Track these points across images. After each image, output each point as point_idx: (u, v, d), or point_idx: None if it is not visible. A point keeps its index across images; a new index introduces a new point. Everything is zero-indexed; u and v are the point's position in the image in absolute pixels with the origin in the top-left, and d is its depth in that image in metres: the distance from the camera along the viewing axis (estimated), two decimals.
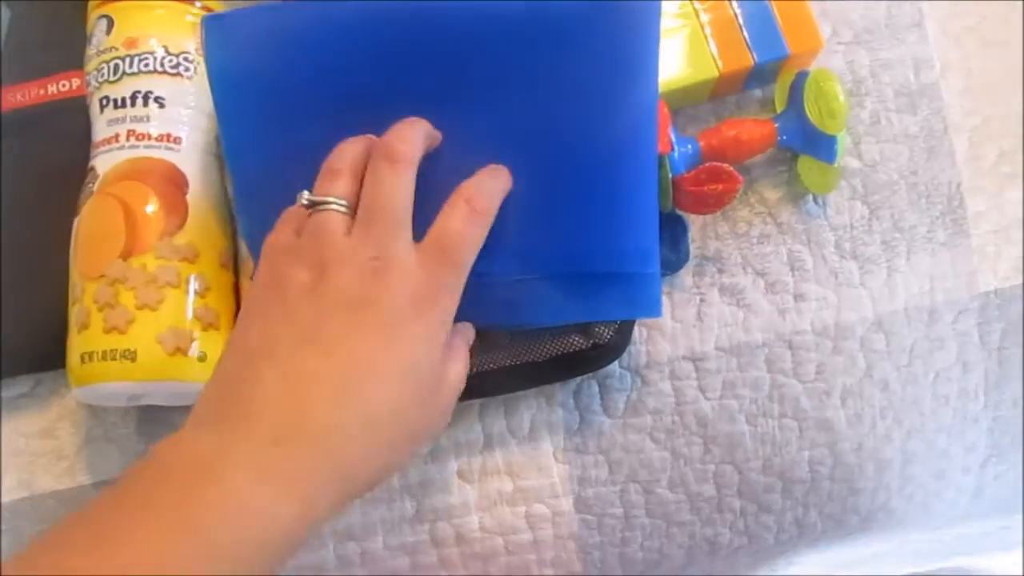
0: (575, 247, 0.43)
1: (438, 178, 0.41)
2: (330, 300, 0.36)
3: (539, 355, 0.47)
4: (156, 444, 0.34)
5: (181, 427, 0.35)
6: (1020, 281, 0.52)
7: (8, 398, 0.53)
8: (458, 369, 0.40)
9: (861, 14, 0.55)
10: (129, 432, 0.52)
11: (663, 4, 0.44)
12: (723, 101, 0.55)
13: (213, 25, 0.44)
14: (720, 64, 0.51)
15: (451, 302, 0.38)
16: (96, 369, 0.45)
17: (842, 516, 0.53)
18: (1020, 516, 0.56)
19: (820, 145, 0.50)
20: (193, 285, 0.47)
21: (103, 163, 0.48)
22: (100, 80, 0.50)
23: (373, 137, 0.40)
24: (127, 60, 0.49)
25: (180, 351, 0.46)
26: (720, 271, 0.52)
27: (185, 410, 0.36)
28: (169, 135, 0.49)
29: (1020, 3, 0.54)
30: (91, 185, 0.48)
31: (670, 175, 0.49)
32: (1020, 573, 0.61)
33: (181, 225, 0.48)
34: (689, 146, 0.51)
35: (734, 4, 0.52)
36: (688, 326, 0.52)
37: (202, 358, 0.47)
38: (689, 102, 0.54)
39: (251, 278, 0.49)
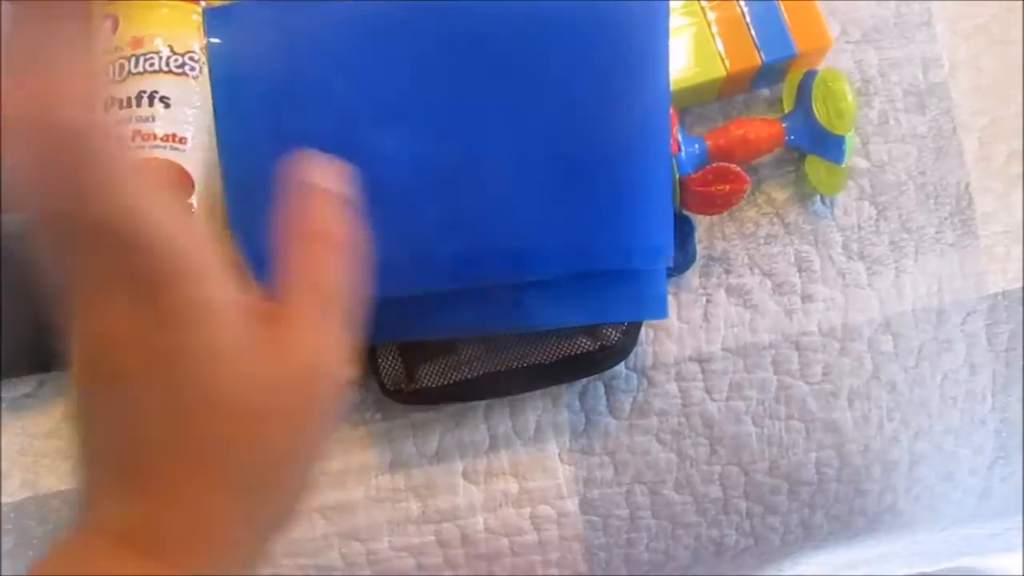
0: (587, 245, 0.43)
1: (451, 177, 0.41)
2: (97, 379, 0.27)
3: (546, 357, 0.47)
4: None
5: None
6: None
7: (12, 398, 0.53)
8: (302, 343, 0.28)
9: (870, 13, 0.54)
10: None
11: (671, 3, 0.44)
12: (730, 100, 0.54)
13: (216, 17, 0.44)
14: (727, 63, 0.51)
15: (187, 296, 0.26)
16: None
17: (848, 518, 0.52)
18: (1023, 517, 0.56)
19: (828, 145, 0.50)
20: None
21: None
22: (105, 80, 0.50)
23: None
24: (132, 60, 0.49)
25: None
26: (727, 272, 0.52)
27: None
28: (175, 135, 0.48)
29: None
30: None
31: (677, 175, 0.48)
32: (1022, 574, 0.60)
33: None
34: (696, 146, 0.50)
35: (741, 3, 0.52)
36: (695, 327, 0.52)
37: None
38: (696, 101, 0.54)
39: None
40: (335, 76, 0.43)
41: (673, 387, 0.51)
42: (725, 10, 0.52)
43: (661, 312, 0.45)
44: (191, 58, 0.50)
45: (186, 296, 0.25)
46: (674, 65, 0.50)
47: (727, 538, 0.52)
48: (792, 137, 0.51)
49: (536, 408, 0.52)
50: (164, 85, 0.49)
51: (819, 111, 0.50)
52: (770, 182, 0.53)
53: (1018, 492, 0.53)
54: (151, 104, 0.49)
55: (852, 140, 0.50)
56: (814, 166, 0.52)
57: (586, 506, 0.51)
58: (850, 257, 0.52)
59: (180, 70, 0.49)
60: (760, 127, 0.51)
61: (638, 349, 0.51)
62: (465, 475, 0.52)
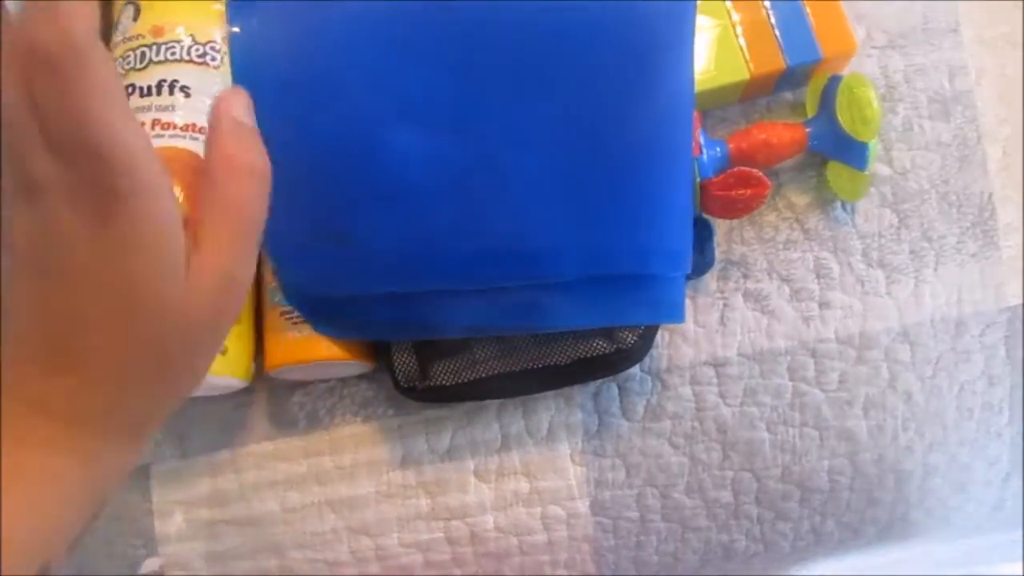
0: (605, 248, 0.42)
1: (468, 175, 0.41)
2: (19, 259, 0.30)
3: (561, 358, 0.47)
4: None
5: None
6: None
7: None
8: (213, 251, 0.31)
9: (896, 18, 0.54)
10: None
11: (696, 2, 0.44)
12: (753, 103, 0.54)
13: (238, 8, 0.44)
14: (751, 66, 0.50)
15: (134, 191, 0.28)
16: None
17: (860, 526, 0.52)
18: None
19: (851, 151, 0.49)
20: None
21: None
22: (126, 67, 0.49)
23: None
24: (154, 48, 0.49)
25: None
26: (745, 276, 0.52)
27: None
28: (194, 125, 0.48)
29: None
30: None
31: (698, 179, 0.48)
32: None
33: None
34: (718, 149, 0.50)
35: (767, 4, 0.52)
36: (711, 331, 0.51)
37: (224, 352, 0.47)
38: (718, 103, 0.53)
39: (272, 271, 0.48)
40: (355, 71, 0.42)
41: (687, 391, 0.51)
42: (750, 12, 0.51)
43: (678, 316, 0.44)
44: (212, 48, 0.50)
45: (140, 209, 0.28)
46: (697, 66, 0.49)
47: (736, 543, 0.52)
48: (815, 142, 0.50)
49: (549, 408, 0.51)
50: (185, 74, 0.49)
51: (843, 117, 0.49)
52: (791, 187, 0.53)
53: None
54: (171, 93, 0.48)
55: (876, 147, 0.50)
56: (836, 172, 0.51)
57: (596, 507, 0.51)
58: (870, 265, 0.52)
59: (201, 60, 0.49)
60: (783, 132, 0.50)
61: (653, 352, 0.51)
62: (476, 473, 0.52)
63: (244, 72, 0.44)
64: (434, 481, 0.52)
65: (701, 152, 0.49)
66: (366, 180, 0.43)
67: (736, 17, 0.51)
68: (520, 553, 0.52)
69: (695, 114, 0.48)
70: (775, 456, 0.51)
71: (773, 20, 0.51)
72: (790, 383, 0.51)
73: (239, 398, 0.52)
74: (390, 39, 0.42)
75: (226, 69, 0.50)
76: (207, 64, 0.49)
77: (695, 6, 0.43)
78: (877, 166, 0.52)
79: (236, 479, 0.52)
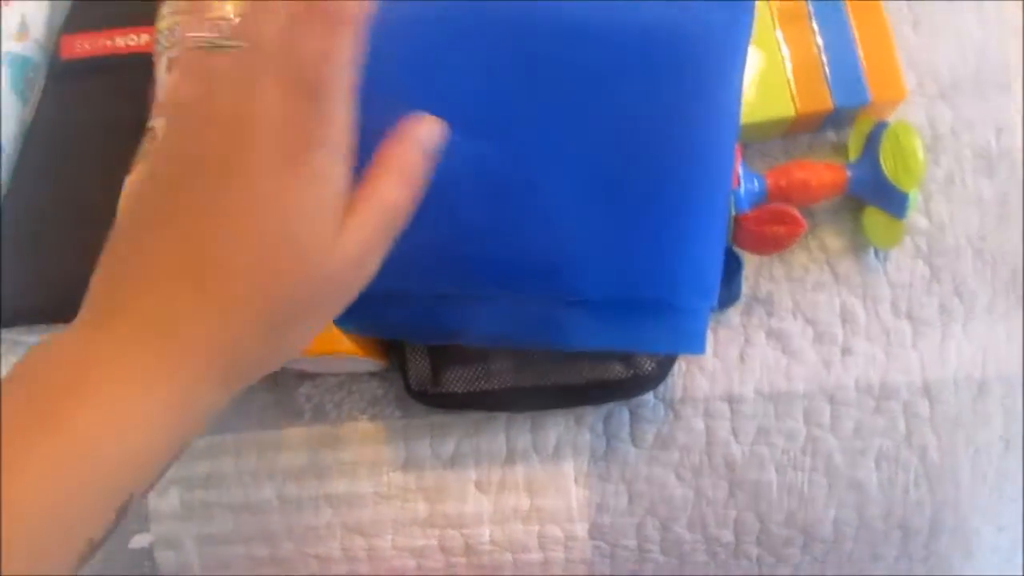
0: (634, 272, 0.42)
1: (505, 182, 0.41)
2: (191, 169, 0.32)
3: (576, 378, 0.46)
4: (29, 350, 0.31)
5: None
6: None
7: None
8: (367, 227, 0.33)
9: (950, 68, 0.53)
10: None
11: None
12: (795, 139, 0.53)
13: None
14: (797, 103, 0.50)
15: (331, 148, 0.31)
16: None
17: None
18: None
19: (891, 199, 0.49)
20: None
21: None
22: (171, 40, 0.49)
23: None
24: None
25: None
26: (769, 314, 0.51)
27: None
28: None
29: None
30: (149, 146, 0.47)
31: (733, 211, 0.47)
32: None
33: None
34: (756, 182, 0.49)
35: (819, 41, 0.51)
36: (729, 366, 0.51)
37: None
38: (760, 137, 0.53)
39: None
40: (402, 71, 0.42)
41: (699, 423, 0.50)
42: (801, 47, 0.51)
43: (699, 348, 0.44)
44: None
45: (325, 163, 0.31)
46: (743, 100, 0.49)
47: None
48: (855, 186, 0.50)
49: (558, 425, 0.51)
50: None
51: (887, 164, 0.48)
52: (825, 228, 0.52)
53: None
54: None
55: (916, 197, 0.49)
56: (872, 218, 0.50)
57: (595, 532, 0.51)
58: (897, 315, 0.51)
59: None
60: (823, 172, 0.49)
61: (668, 380, 0.50)
62: (477, 484, 0.51)
63: None
64: (434, 487, 0.51)
65: (739, 184, 0.48)
66: None
67: (786, 51, 0.51)
68: (514, 569, 0.51)
69: (738, 147, 0.47)
70: (781, 499, 0.50)
71: (824, 58, 0.50)
72: (804, 427, 0.50)
73: None
74: (443, 38, 0.42)
75: None
76: None
77: (749, 33, 0.43)
78: (914, 217, 0.52)
79: (235, 464, 0.52)
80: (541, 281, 0.42)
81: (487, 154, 0.41)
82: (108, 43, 0.53)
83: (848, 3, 0.51)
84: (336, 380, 0.52)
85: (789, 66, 0.50)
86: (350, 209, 0.32)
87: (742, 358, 0.51)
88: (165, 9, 0.50)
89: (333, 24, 0.31)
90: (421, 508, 0.51)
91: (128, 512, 0.29)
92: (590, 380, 0.46)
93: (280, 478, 0.52)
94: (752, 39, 0.49)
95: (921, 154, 0.47)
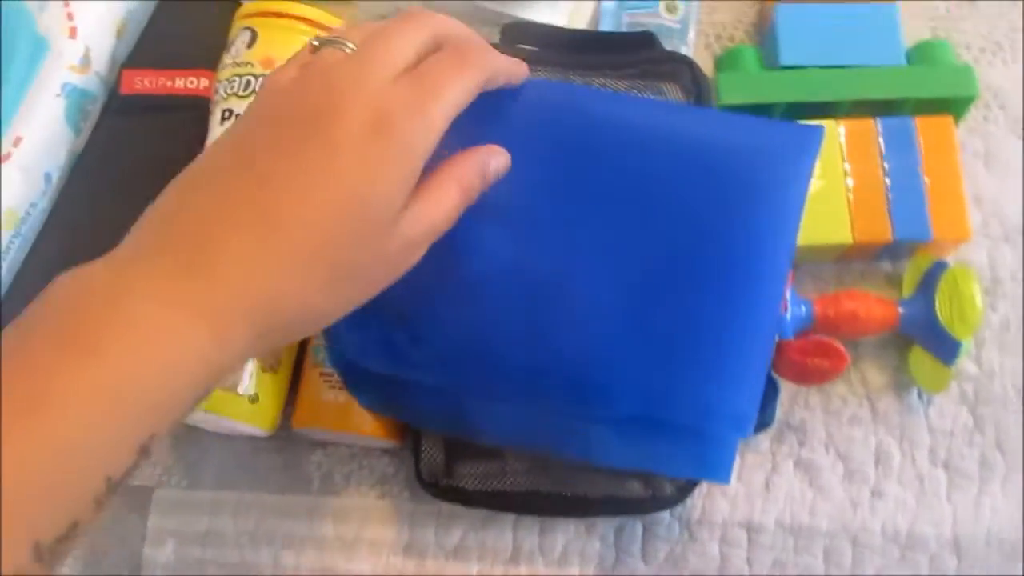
0: (666, 392, 0.40)
1: (540, 285, 0.40)
2: (285, 116, 0.32)
3: (593, 491, 0.45)
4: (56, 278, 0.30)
5: None
6: None
7: None
8: (427, 215, 0.33)
9: (1018, 211, 0.51)
10: None
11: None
12: (848, 265, 0.52)
13: None
14: (855, 232, 0.48)
15: (421, 131, 0.32)
16: None
17: None
18: None
19: (942, 344, 0.47)
20: None
21: None
22: (229, 91, 0.49)
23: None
24: (260, 79, 0.48)
25: (234, 388, 0.45)
26: (801, 443, 0.49)
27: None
28: None
29: None
30: None
31: (777, 337, 0.46)
32: None
33: None
34: (803, 308, 0.48)
35: (885, 166, 0.49)
36: (753, 492, 0.49)
37: (253, 400, 0.45)
38: (813, 259, 0.51)
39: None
40: (456, 144, 0.41)
41: (714, 548, 0.48)
42: (866, 176, 0.49)
43: (724, 478, 0.42)
44: None
45: (407, 135, 0.31)
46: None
47: None
48: (906, 325, 0.48)
49: (568, 531, 0.49)
50: None
51: (941, 307, 0.46)
52: (868, 361, 0.50)
53: None
54: None
55: (969, 345, 0.47)
56: (919, 359, 0.48)
57: None
58: (934, 463, 0.49)
59: None
60: (874, 306, 0.48)
61: (687, 499, 0.48)
62: None
63: None
64: None
65: (786, 310, 0.46)
66: (441, 268, 0.41)
67: (850, 174, 0.49)
68: None
69: (789, 271, 0.46)
70: None
71: (888, 187, 0.49)
72: (823, 565, 0.48)
73: (258, 442, 0.51)
74: (499, 132, 0.41)
75: None
76: None
77: (812, 164, 0.41)
78: (963, 362, 0.50)
79: (236, 523, 0.51)
80: (567, 392, 0.41)
81: (528, 254, 0.40)
82: (168, 83, 0.53)
83: (920, 129, 0.50)
84: (348, 452, 0.51)
85: (851, 191, 0.49)
86: (413, 197, 0.33)
87: (767, 486, 0.49)
88: (227, 59, 0.50)
89: (477, 59, 0.34)
90: None
91: (149, 453, 0.28)
92: (607, 494, 0.45)
93: (278, 544, 0.50)
94: (817, 164, 0.48)
95: (979, 302, 0.46)
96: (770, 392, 0.48)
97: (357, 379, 0.46)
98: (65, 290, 0.29)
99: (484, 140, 0.38)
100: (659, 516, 0.49)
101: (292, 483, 0.51)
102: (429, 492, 0.47)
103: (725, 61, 0.53)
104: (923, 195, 0.49)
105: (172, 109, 0.53)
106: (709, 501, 0.49)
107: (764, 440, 0.49)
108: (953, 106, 0.51)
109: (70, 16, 0.50)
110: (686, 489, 0.45)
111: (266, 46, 0.49)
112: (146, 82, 0.53)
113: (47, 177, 0.51)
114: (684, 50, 0.54)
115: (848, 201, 0.49)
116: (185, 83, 0.53)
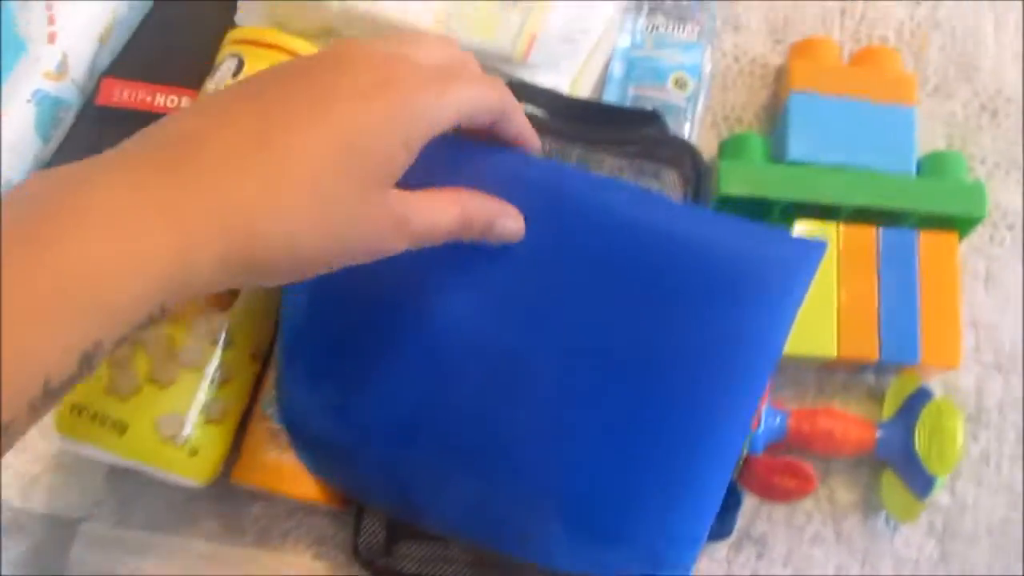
0: (626, 506, 0.38)
1: (501, 367, 0.37)
2: (301, 65, 0.32)
3: None
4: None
5: None
6: None
7: None
8: (418, 209, 0.32)
9: (1014, 341, 0.49)
10: None
11: None
12: (831, 374, 0.50)
13: None
14: (840, 347, 0.46)
15: (431, 105, 0.31)
16: (82, 427, 0.42)
17: None
18: None
19: (915, 477, 0.45)
20: (214, 373, 0.43)
21: None
22: None
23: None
24: None
25: (173, 440, 0.42)
26: (759, 556, 0.47)
27: None
28: None
29: None
30: None
31: (746, 451, 0.44)
32: None
33: (227, 306, 0.44)
34: (778, 419, 0.46)
35: (880, 280, 0.47)
36: None
37: (193, 452, 0.43)
38: (793, 365, 0.49)
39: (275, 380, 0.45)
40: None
41: None
42: (859, 288, 0.47)
43: None
44: None
45: (421, 100, 0.31)
46: None
47: None
48: (881, 450, 0.46)
49: None
50: None
51: (920, 439, 0.44)
52: (838, 478, 0.48)
53: None
54: None
55: (943, 482, 0.45)
56: (891, 485, 0.47)
57: None
58: None
59: None
60: (850, 428, 0.46)
61: None
62: None
63: None
64: None
65: (760, 425, 0.44)
66: (402, 331, 0.39)
67: (843, 289, 0.47)
68: None
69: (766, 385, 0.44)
70: None
71: (881, 305, 0.47)
72: None
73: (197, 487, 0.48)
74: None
75: None
76: None
77: (820, 262, 0.39)
78: (937, 490, 0.47)
79: (161, 567, 0.48)
80: (517, 480, 0.39)
81: (492, 328, 0.38)
82: (147, 98, 0.50)
83: (922, 245, 0.48)
84: (287, 508, 0.49)
85: (841, 302, 0.47)
86: (414, 190, 0.32)
87: None
88: (210, 84, 0.48)
89: (500, 89, 0.34)
90: None
91: (92, 365, 0.26)
92: None
93: None
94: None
95: (960, 441, 0.44)
96: (732, 503, 0.46)
97: (305, 442, 0.44)
98: (32, 183, 0.27)
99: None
100: None
101: (226, 533, 0.49)
102: (365, 569, 0.45)
103: (730, 147, 0.51)
104: (916, 315, 0.47)
105: (147, 124, 0.50)
106: None
107: (722, 548, 0.47)
108: (959, 224, 0.49)
109: (51, 20, 0.48)
110: None
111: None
112: (125, 94, 0.51)
113: (9, 185, 0.48)
114: (687, 128, 0.51)
115: (837, 313, 0.47)
116: (165, 100, 0.51)
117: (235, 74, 0.47)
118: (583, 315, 0.38)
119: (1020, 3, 0.55)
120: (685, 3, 0.54)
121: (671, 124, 0.49)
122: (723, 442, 0.38)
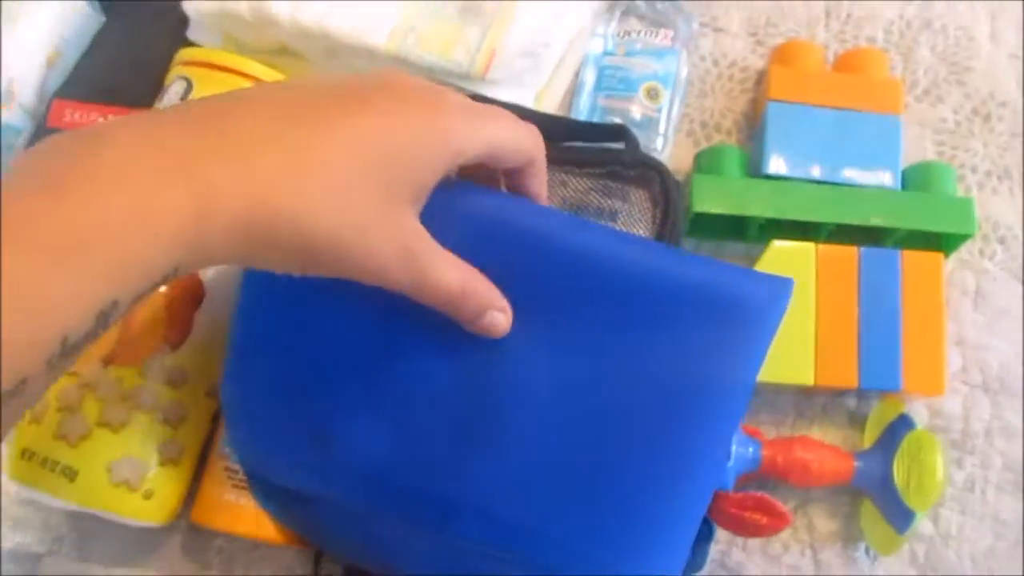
0: (595, 561, 0.37)
1: (468, 405, 0.36)
2: (342, 78, 0.32)
3: None
4: None
5: None
6: None
7: None
8: (429, 255, 0.32)
9: (1003, 363, 0.47)
10: None
11: None
12: (809, 399, 0.48)
13: None
14: (818, 375, 0.44)
15: (463, 132, 0.32)
16: (33, 472, 0.41)
17: None
18: None
19: (895, 511, 0.43)
20: (167, 413, 0.42)
21: None
22: None
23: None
24: None
25: (127, 484, 0.41)
26: None
27: None
28: None
29: None
30: None
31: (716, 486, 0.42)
32: None
33: (179, 344, 0.43)
34: (751, 449, 0.44)
35: (859, 303, 0.45)
36: None
37: (148, 495, 0.42)
38: (772, 389, 0.47)
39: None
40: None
41: None
42: (838, 312, 0.45)
43: None
44: None
45: (450, 122, 0.31)
46: None
47: None
48: (860, 480, 0.44)
49: None
50: None
51: (899, 472, 0.43)
52: (817, 507, 0.47)
53: None
54: None
55: (922, 517, 0.43)
56: (871, 516, 0.45)
57: None
58: None
59: None
60: (828, 459, 0.44)
61: None
62: None
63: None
64: None
65: (729, 459, 0.43)
66: (371, 377, 0.38)
67: (821, 313, 0.45)
68: None
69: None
70: None
71: (861, 330, 0.45)
72: None
73: None
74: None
75: None
76: None
77: (788, 301, 0.37)
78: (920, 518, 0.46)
79: None
80: (483, 531, 0.37)
81: (462, 375, 0.37)
82: (99, 119, 0.49)
83: (906, 265, 0.46)
84: (252, 541, 0.48)
85: (819, 328, 0.45)
86: (432, 240, 0.32)
87: None
88: (158, 107, 0.46)
89: (536, 136, 0.35)
90: None
91: (108, 322, 0.25)
92: None
93: None
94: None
95: (940, 475, 0.42)
96: (704, 535, 0.44)
97: (265, 488, 0.42)
98: (51, 140, 0.26)
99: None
100: None
101: (190, 565, 0.48)
102: None
103: (705, 159, 0.48)
104: (898, 341, 0.45)
105: None
106: None
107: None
108: (946, 241, 0.47)
109: None
110: None
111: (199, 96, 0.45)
112: (76, 116, 0.49)
113: None
114: (660, 142, 0.49)
115: (815, 338, 0.45)
116: None
117: (183, 97, 0.45)
118: (552, 358, 0.37)
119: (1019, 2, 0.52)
120: (660, 5, 0.51)
121: (642, 138, 0.47)
122: (695, 479, 0.37)
